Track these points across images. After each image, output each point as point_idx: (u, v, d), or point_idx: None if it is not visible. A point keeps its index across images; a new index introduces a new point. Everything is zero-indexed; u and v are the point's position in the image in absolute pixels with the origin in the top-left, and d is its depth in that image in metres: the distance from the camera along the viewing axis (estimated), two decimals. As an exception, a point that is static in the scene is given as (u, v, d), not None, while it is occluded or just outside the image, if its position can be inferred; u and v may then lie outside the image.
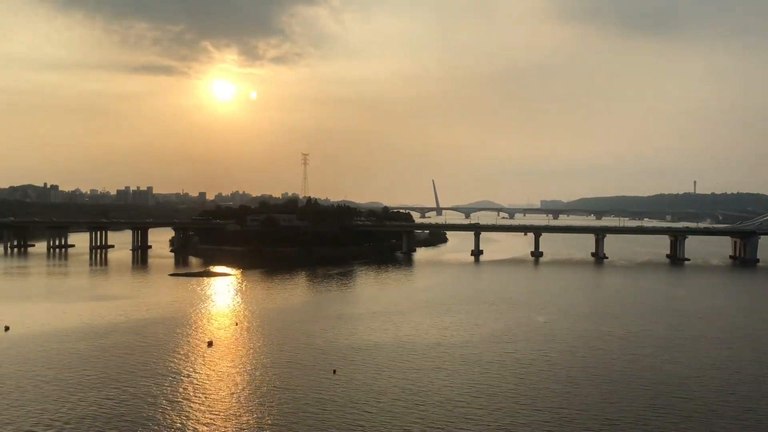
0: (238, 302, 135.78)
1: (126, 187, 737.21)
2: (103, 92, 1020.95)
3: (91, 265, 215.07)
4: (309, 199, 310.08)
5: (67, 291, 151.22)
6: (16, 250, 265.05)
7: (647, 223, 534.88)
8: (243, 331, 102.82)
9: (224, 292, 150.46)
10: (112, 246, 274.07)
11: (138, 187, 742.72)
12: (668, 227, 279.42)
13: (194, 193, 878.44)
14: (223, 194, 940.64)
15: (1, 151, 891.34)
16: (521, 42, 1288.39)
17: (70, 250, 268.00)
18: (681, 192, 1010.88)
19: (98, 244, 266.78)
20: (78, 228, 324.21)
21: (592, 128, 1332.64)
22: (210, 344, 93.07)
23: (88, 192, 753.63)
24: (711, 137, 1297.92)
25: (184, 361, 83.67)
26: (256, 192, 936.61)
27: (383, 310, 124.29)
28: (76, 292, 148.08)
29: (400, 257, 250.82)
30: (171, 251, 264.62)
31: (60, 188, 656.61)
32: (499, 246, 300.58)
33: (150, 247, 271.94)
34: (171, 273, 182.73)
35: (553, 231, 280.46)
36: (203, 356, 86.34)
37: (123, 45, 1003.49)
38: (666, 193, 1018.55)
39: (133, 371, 78.20)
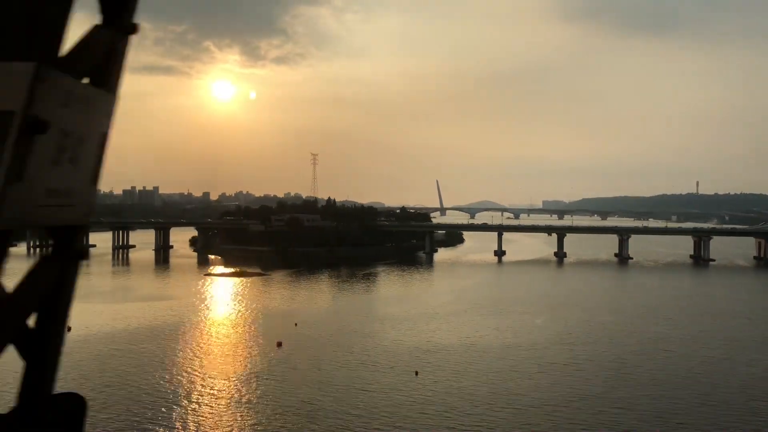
0: (286, 303, 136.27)
1: (132, 187, 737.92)
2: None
3: (123, 265, 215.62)
4: (329, 200, 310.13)
5: (111, 291, 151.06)
6: (37, 250, 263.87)
7: (652, 223, 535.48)
8: (306, 332, 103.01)
9: (267, 292, 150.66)
10: (134, 246, 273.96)
11: (144, 187, 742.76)
12: (693, 228, 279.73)
13: (197, 193, 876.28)
14: (227, 194, 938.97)
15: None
16: (523, 42, 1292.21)
17: (92, 250, 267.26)
18: (682, 192, 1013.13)
19: (120, 243, 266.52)
20: (100, 228, 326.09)
21: (592, 128, 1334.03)
22: (279, 345, 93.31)
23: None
24: (712, 137, 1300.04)
25: (261, 362, 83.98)
26: (258, 192, 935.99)
27: (434, 311, 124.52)
28: (119, 292, 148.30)
29: (423, 258, 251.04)
30: (194, 251, 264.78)
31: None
32: (517, 246, 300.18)
33: (172, 246, 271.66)
34: (206, 273, 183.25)
35: (578, 231, 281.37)
36: (278, 357, 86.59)
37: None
38: (669, 193, 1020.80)
39: (213, 375, 78.49)
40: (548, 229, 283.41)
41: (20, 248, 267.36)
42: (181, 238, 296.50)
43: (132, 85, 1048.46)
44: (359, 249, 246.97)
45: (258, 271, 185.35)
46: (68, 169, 3.64)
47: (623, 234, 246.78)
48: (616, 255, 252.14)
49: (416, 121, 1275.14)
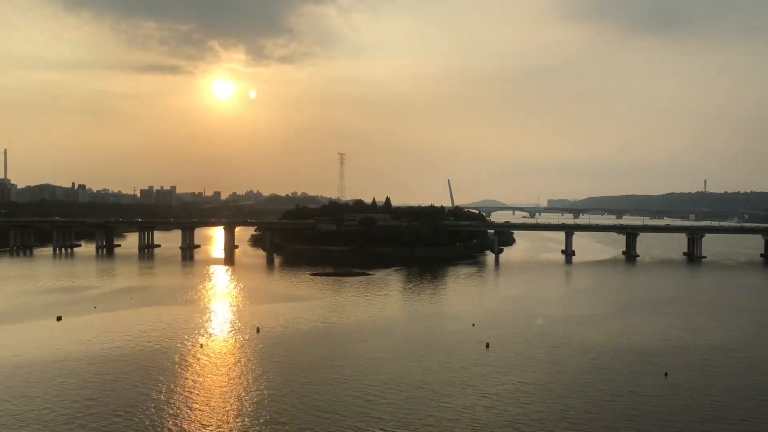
0: (431, 303, 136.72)
1: (150, 187, 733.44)
2: (108, 92, 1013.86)
3: (208, 264, 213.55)
4: (387, 200, 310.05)
5: (244, 292, 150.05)
6: (63, 250, 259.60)
7: (666, 221, 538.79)
8: (489, 332, 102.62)
9: (396, 293, 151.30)
10: (198, 246, 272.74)
11: (162, 187, 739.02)
12: (765, 227, 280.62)
13: (208, 193, 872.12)
14: (238, 193, 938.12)
15: (11, 150, 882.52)
16: (530, 42, 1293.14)
17: (117, 249, 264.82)
18: (689, 191, 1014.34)
19: (187, 243, 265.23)
20: (165, 227, 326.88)
21: (596, 128, 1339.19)
22: (487, 346, 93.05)
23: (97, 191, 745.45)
24: (718, 137, 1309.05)
25: (477, 363, 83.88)
26: (266, 191, 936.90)
27: (595, 311, 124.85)
28: (257, 293, 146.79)
29: (492, 257, 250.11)
30: (263, 250, 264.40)
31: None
32: (560, 246, 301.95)
33: (237, 246, 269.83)
34: (312, 273, 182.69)
35: (652, 231, 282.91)
36: (487, 359, 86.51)
37: (130, 45, 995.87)
38: (677, 192, 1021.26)
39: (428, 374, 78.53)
40: (618, 229, 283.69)
41: (89, 248, 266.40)
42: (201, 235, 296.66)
43: (137, 84, 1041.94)
44: (432, 249, 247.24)
45: (363, 271, 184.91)
46: None
47: (696, 233, 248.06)
48: (685, 254, 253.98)
49: (422, 120, 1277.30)
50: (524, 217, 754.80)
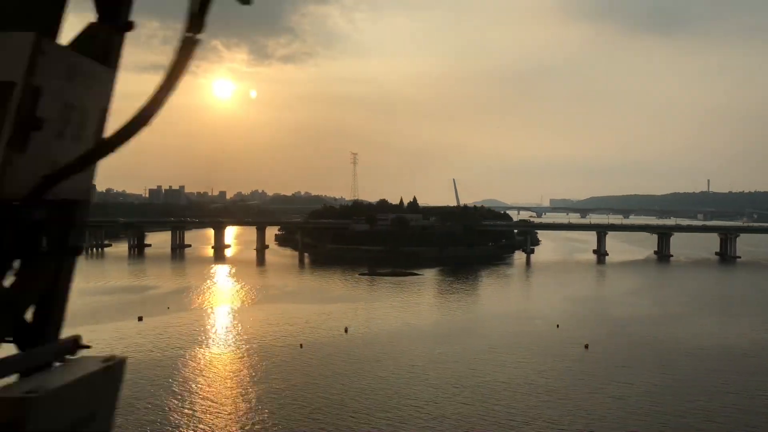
0: (498, 304, 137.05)
1: (158, 186, 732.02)
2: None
3: (248, 264, 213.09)
4: (414, 200, 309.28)
5: (308, 292, 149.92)
6: (95, 249, 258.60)
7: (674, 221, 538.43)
8: (576, 333, 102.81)
9: (453, 293, 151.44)
10: (189, 245, 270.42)
11: (170, 186, 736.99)
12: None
13: (213, 192, 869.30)
14: (243, 193, 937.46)
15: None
16: (530, 42, 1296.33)
17: (148, 250, 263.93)
18: (691, 191, 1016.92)
19: (218, 243, 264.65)
20: (160, 228, 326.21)
21: (597, 127, 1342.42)
22: (587, 347, 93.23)
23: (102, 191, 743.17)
24: (720, 136, 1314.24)
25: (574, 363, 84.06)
26: (270, 191, 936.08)
27: (665, 311, 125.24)
28: (321, 293, 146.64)
29: (525, 257, 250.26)
30: (294, 251, 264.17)
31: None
32: (588, 246, 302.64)
33: (267, 246, 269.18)
34: (360, 273, 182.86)
35: (686, 231, 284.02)
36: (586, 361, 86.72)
37: (134, 44, 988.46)
38: (681, 191, 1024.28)
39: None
40: (650, 229, 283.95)
41: (120, 247, 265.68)
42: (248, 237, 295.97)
43: (136, 84, 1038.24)
44: (465, 249, 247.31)
45: (410, 271, 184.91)
46: (71, 142, 3.57)
47: (731, 233, 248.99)
48: (717, 254, 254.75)
49: (424, 119, 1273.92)
50: (531, 216, 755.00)
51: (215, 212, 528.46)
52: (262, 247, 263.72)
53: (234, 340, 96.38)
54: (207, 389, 71.44)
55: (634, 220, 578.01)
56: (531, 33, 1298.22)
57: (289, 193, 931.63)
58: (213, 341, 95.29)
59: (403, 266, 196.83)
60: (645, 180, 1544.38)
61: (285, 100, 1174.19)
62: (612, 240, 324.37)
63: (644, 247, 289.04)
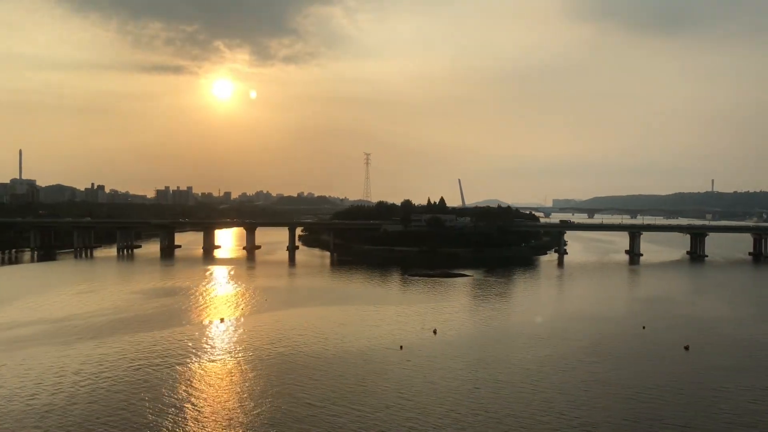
0: (562, 302, 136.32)
1: (166, 187, 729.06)
2: (111, 93, 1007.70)
3: (286, 265, 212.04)
4: (441, 200, 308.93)
5: (370, 294, 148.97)
6: (125, 250, 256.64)
7: (681, 221, 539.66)
8: (665, 335, 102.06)
9: (515, 294, 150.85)
10: (259, 247, 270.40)
11: (178, 187, 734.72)
12: None
13: (218, 193, 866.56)
14: (248, 194, 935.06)
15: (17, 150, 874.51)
16: (534, 42, 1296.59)
17: (178, 251, 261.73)
18: (695, 191, 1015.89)
19: (250, 245, 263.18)
20: (191, 228, 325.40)
21: (600, 128, 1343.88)
22: (687, 348, 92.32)
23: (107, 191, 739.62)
24: (723, 136, 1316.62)
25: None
26: (274, 191, 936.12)
27: (737, 313, 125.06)
28: (382, 295, 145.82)
29: (559, 257, 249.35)
30: (325, 251, 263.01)
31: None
32: (615, 246, 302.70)
33: (259, 247, 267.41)
34: (409, 273, 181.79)
35: (720, 231, 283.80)
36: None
37: (136, 45, 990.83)
38: (685, 191, 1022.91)
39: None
40: (684, 229, 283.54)
41: (150, 248, 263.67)
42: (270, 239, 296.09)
43: (140, 85, 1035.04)
44: (501, 249, 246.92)
45: (460, 272, 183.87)
46: None
47: (764, 234, 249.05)
48: (750, 254, 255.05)
49: (426, 120, 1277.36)
50: (539, 217, 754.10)
51: (223, 213, 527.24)
52: (293, 248, 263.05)
53: (341, 340, 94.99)
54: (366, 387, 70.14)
55: (642, 219, 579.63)
56: (536, 34, 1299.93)
57: (292, 194, 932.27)
58: (326, 342, 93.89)
59: (442, 267, 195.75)
60: (647, 180, 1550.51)
61: (286, 100, 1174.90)
62: (614, 238, 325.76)
63: (672, 246, 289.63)
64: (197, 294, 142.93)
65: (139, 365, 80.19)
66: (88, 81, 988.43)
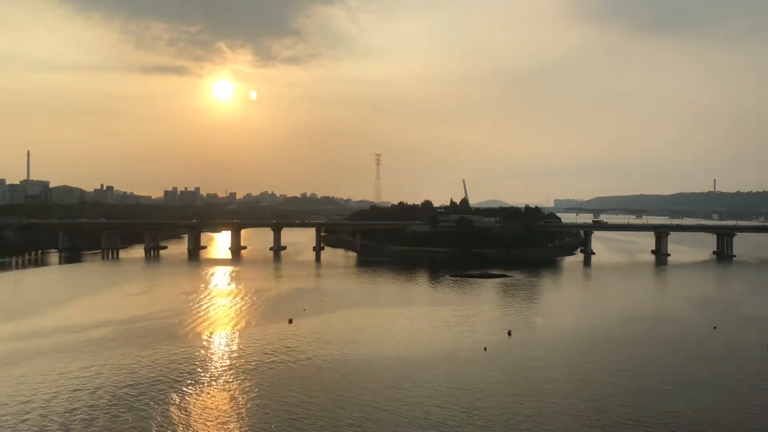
0: (622, 303, 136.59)
1: (174, 188, 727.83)
2: (113, 94, 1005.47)
3: (316, 265, 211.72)
4: (464, 201, 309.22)
5: (422, 294, 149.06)
6: (153, 252, 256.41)
7: (687, 221, 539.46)
8: (740, 336, 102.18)
9: (566, 294, 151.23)
10: (284, 247, 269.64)
11: (186, 188, 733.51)
12: None
13: (223, 194, 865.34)
14: (252, 194, 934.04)
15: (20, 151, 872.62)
16: (537, 43, 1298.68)
17: (204, 252, 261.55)
18: (697, 191, 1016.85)
19: (276, 246, 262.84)
20: (216, 228, 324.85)
21: (601, 128, 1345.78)
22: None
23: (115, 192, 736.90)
24: (724, 136, 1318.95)
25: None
26: (277, 192, 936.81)
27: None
28: (435, 296, 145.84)
29: (585, 257, 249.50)
30: (350, 251, 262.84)
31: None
32: (637, 246, 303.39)
33: (285, 248, 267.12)
34: (450, 274, 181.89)
35: (749, 231, 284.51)
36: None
37: (139, 46, 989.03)
38: (687, 191, 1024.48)
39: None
40: (711, 229, 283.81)
41: (174, 249, 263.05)
42: (263, 238, 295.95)
43: (142, 86, 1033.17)
44: (529, 249, 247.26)
45: (500, 273, 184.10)
46: None
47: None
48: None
49: (428, 120, 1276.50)
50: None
51: (231, 214, 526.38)
52: (319, 248, 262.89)
53: (424, 342, 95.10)
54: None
55: (646, 219, 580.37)
56: (538, 34, 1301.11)
57: (295, 195, 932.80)
58: (408, 343, 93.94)
59: (473, 267, 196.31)
60: (648, 180, 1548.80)
61: (288, 101, 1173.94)
62: (639, 238, 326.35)
63: (695, 246, 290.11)
64: (249, 295, 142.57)
65: (235, 365, 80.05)
66: (91, 82, 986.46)
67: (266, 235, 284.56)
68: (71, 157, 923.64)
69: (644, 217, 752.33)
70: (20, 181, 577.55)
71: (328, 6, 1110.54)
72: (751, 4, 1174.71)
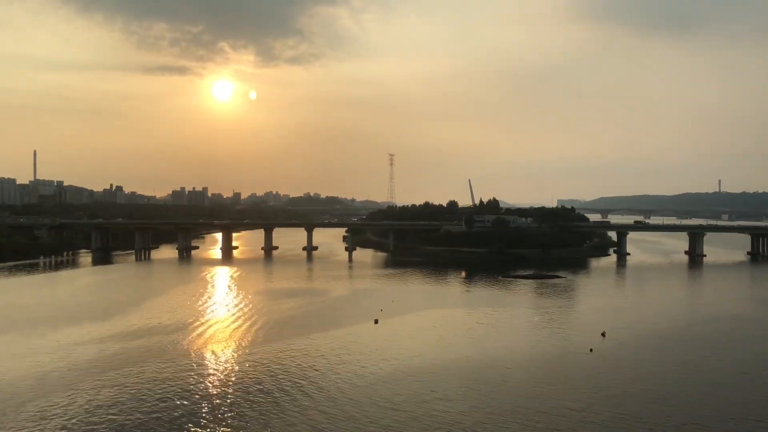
0: (696, 304, 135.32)
1: (181, 188, 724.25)
2: (116, 94, 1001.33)
3: (357, 266, 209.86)
4: (494, 201, 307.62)
5: (475, 298, 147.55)
6: (185, 253, 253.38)
7: (696, 221, 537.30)
8: None
9: (632, 293, 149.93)
10: (276, 247, 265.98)
11: (194, 188, 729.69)
12: None
13: (228, 193, 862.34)
14: (257, 194, 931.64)
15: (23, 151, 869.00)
16: (540, 42, 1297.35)
17: (236, 252, 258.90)
18: (705, 191, 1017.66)
19: (309, 245, 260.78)
20: (247, 228, 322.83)
21: (604, 128, 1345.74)
22: None
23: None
24: (730, 137, 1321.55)
25: None
26: (281, 192, 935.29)
27: None
28: (495, 300, 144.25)
29: (620, 258, 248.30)
30: (388, 252, 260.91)
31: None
32: (665, 247, 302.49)
33: (316, 248, 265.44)
34: (503, 275, 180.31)
35: None
36: None
37: (141, 46, 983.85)
38: (692, 192, 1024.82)
39: None
40: (749, 230, 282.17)
41: (205, 249, 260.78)
42: (291, 238, 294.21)
43: (143, 86, 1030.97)
44: (566, 250, 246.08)
45: (553, 274, 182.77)
46: None
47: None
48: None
49: (431, 120, 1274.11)
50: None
51: (241, 214, 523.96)
52: (351, 248, 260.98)
53: (526, 344, 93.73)
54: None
55: (662, 219, 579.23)
56: (541, 33, 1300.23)
57: (299, 195, 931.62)
58: (510, 345, 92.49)
59: (513, 268, 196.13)
60: (649, 180, 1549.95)
61: (290, 101, 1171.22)
62: (679, 241, 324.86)
63: (724, 247, 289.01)
64: (317, 295, 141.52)
65: (344, 366, 78.44)
66: (93, 82, 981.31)
67: (289, 235, 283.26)
68: (73, 156, 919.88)
69: (652, 217, 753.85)
70: (29, 181, 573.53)
71: (332, 6, 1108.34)
72: (757, 4, 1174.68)
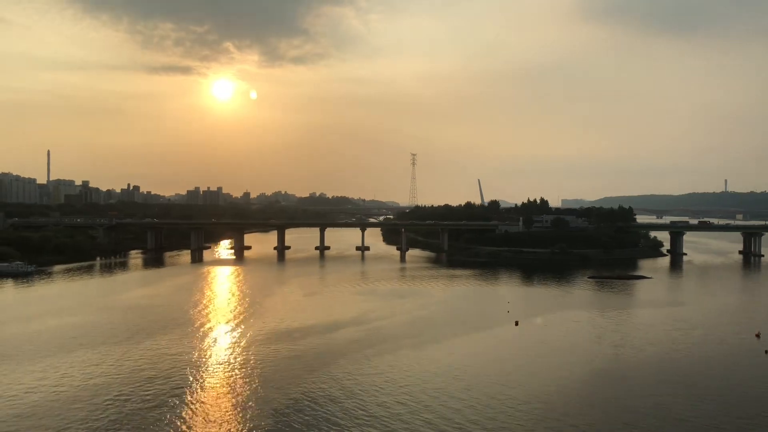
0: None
1: (196, 188, 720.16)
2: (121, 93, 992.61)
3: (426, 267, 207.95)
4: (542, 200, 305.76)
5: (577, 300, 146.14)
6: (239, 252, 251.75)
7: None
8: None
9: (729, 294, 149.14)
10: (328, 247, 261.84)
11: (209, 188, 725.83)
12: None
13: (237, 193, 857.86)
14: (266, 194, 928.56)
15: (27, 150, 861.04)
16: (544, 42, 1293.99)
17: (288, 252, 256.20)
18: (711, 191, 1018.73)
19: (321, 245, 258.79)
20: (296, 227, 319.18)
21: (607, 127, 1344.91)
22: None
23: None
24: (735, 136, 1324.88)
25: None
26: (289, 192, 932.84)
27: None
28: (601, 302, 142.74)
29: (676, 258, 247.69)
30: (442, 252, 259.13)
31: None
32: (711, 247, 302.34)
33: (368, 248, 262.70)
34: (589, 276, 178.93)
35: None
36: None
37: (146, 46, 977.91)
38: (699, 191, 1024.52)
39: None
40: None
41: (256, 249, 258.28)
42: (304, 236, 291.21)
43: (147, 85, 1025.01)
44: (625, 250, 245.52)
45: (637, 274, 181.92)
46: None
47: None
48: None
49: (435, 120, 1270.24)
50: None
51: (257, 214, 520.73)
52: (405, 248, 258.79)
53: (686, 344, 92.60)
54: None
55: (689, 219, 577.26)
56: (546, 33, 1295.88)
57: (305, 195, 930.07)
58: (667, 346, 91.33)
59: (577, 268, 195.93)
60: (656, 180, 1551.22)
61: (294, 101, 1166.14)
62: (707, 239, 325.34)
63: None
64: (421, 295, 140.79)
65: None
66: (98, 82, 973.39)
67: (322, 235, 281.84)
68: (81, 156, 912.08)
69: (664, 217, 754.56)
70: (47, 181, 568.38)
71: (338, 6, 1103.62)
72: (763, 4, 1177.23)
